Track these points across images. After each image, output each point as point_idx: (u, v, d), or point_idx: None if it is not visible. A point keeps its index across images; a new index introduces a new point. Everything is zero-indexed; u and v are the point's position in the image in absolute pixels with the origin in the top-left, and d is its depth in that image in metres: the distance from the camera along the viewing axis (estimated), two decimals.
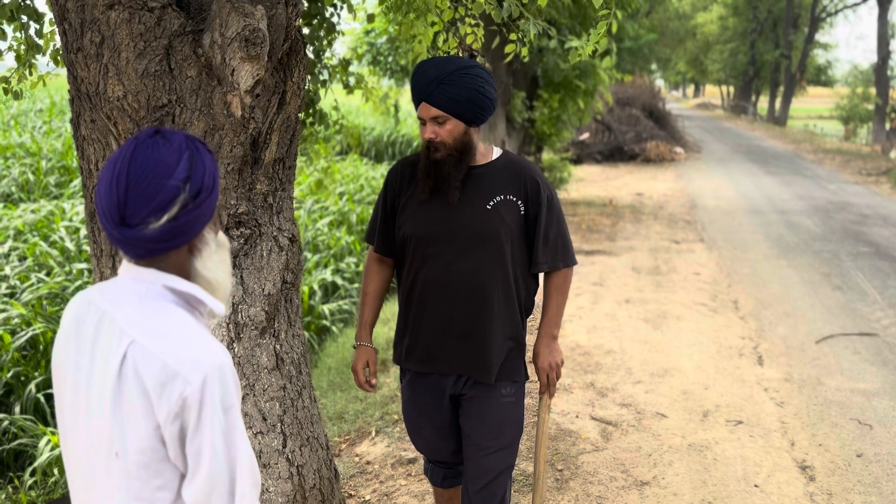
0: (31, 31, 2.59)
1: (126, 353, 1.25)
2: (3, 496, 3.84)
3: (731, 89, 47.29)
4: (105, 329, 1.28)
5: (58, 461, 4.00)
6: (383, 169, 12.88)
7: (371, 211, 8.96)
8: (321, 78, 3.44)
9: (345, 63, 3.54)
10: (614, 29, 2.50)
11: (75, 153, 2.26)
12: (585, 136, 18.93)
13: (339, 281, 6.56)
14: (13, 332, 4.88)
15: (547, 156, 12.34)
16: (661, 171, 16.97)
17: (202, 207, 1.31)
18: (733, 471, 3.64)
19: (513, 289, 2.36)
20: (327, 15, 3.16)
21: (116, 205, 1.25)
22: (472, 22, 2.87)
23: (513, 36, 2.53)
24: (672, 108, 29.91)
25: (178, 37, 2.05)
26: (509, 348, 2.40)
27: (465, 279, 2.30)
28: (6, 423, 4.29)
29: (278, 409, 2.41)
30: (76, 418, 1.31)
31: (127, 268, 1.33)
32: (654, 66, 41.78)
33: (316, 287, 6.31)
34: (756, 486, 3.51)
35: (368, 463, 3.72)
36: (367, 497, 3.41)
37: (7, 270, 5.49)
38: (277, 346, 2.40)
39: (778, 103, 36.08)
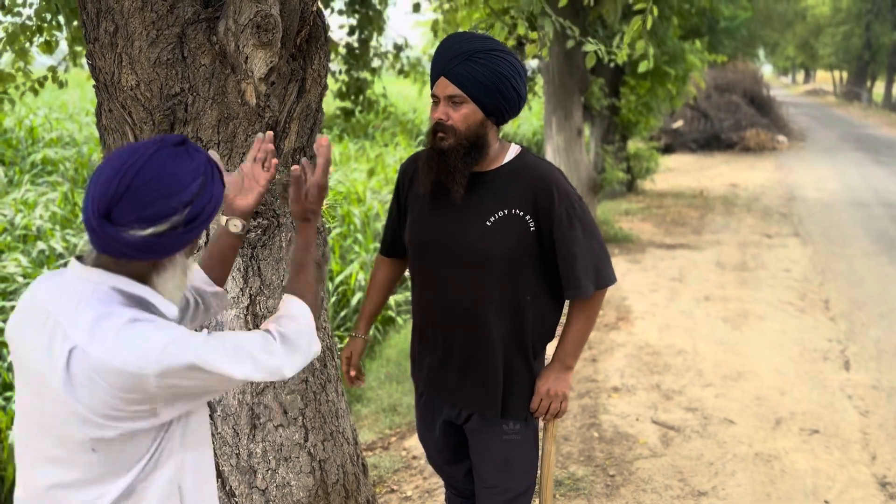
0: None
1: (70, 357, 1.22)
2: None
3: (844, 75, 44.53)
4: (49, 329, 1.26)
5: None
6: None
7: None
8: (372, 65, 3.39)
9: (397, 48, 3.47)
10: (649, 24, 2.28)
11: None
12: (679, 123, 18.23)
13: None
14: None
15: (633, 144, 11.93)
16: (760, 161, 16.17)
17: (190, 234, 1.28)
18: (802, 484, 3.38)
19: (521, 316, 2.04)
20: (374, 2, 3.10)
21: (110, 198, 1.21)
22: (514, 14, 2.74)
23: (533, 35, 2.36)
24: (779, 94, 28.42)
25: (191, 25, 2.02)
26: (517, 381, 2.09)
27: (464, 303, 2.03)
28: None
29: (300, 402, 2.38)
30: (32, 401, 1.29)
31: (74, 266, 1.30)
32: (760, 52, 39.84)
33: None
34: (826, 501, 3.24)
35: (415, 458, 3.66)
36: (409, 493, 3.35)
37: None
38: None
39: (895, 89, 33.73)
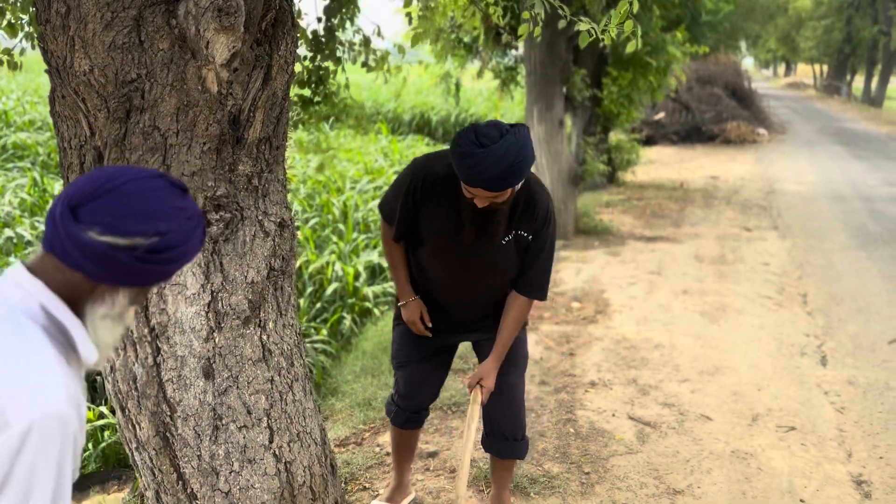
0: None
1: None
2: None
3: (825, 68, 44.73)
4: None
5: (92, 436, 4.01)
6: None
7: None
8: (338, 55, 3.27)
9: (366, 41, 3.37)
10: (635, 8, 2.21)
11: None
12: (661, 115, 18.22)
13: (385, 263, 6.45)
14: None
15: (614, 136, 11.88)
16: (741, 153, 16.20)
17: (143, 266, 1.19)
18: (778, 482, 3.35)
19: (505, 292, 2.68)
20: None
21: (87, 193, 1.16)
22: (492, 0, 2.68)
23: (525, 14, 2.29)
24: (760, 87, 28.51)
25: (149, 7, 1.91)
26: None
27: (475, 296, 2.66)
28: None
29: (264, 402, 2.29)
30: None
31: (16, 267, 1.21)
32: (742, 44, 39.88)
33: (361, 269, 6.21)
34: (802, 501, 3.22)
35: (388, 454, 3.59)
36: (381, 490, 3.28)
37: None
38: (264, 337, 2.28)
39: (875, 83, 33.97)
